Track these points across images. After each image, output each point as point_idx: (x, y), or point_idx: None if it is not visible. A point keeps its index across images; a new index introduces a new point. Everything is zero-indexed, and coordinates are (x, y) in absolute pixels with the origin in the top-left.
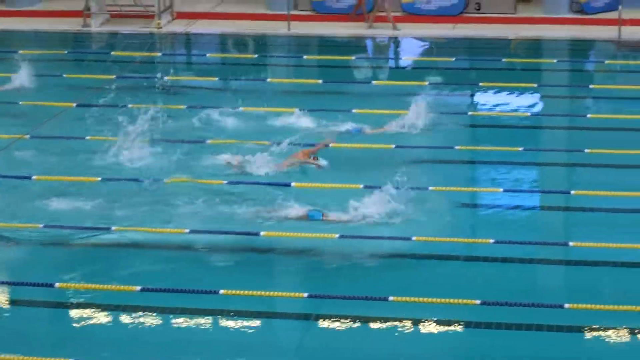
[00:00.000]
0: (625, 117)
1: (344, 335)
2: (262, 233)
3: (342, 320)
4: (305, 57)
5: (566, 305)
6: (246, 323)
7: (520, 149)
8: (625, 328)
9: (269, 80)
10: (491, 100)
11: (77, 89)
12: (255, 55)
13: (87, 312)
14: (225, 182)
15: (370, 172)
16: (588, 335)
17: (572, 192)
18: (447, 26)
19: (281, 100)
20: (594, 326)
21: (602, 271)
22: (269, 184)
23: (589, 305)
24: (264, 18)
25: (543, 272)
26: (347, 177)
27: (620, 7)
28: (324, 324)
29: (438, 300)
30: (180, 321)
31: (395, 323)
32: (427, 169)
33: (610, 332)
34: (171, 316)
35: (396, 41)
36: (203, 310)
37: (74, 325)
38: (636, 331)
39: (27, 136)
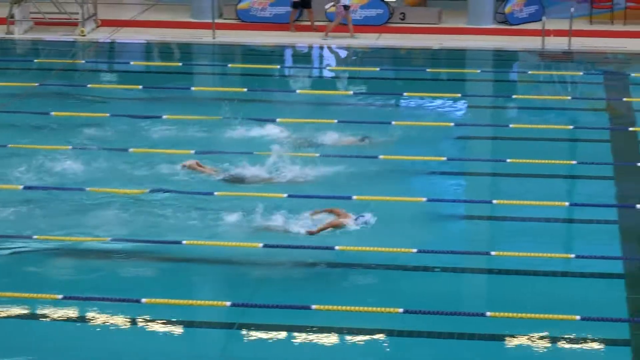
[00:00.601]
0: (547, 127)
1: (267, 344)
2: (184, 242)
3: (265, 329)
4: (230, 65)
5: (488, 314)
6: (169, 331)
7: (444, 158)
8: (545, 336)
9: (193, 88)
10: (415, 110)
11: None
12: (180, 64)
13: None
14: (147, 190)
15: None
16: (509, 343)
17: (494, 201)
18: (372, 36)
19: (206, 109)
20: (514, 334)
21: (523, 280)
22: (193, 193)
23: (510, 314)
24: (189, 26)
25: (465, 281)
26: (271, 187)
27: (544, 18)
28: (247, 332)
29: (361, 308)
30: (101, 330)
31: (319, 332)
32: (349, 178)
33: (530, 340)
34: (93, 325)
35: (321, 50)
36: (125, 319)
37: None
38: (556, 339)
39: None
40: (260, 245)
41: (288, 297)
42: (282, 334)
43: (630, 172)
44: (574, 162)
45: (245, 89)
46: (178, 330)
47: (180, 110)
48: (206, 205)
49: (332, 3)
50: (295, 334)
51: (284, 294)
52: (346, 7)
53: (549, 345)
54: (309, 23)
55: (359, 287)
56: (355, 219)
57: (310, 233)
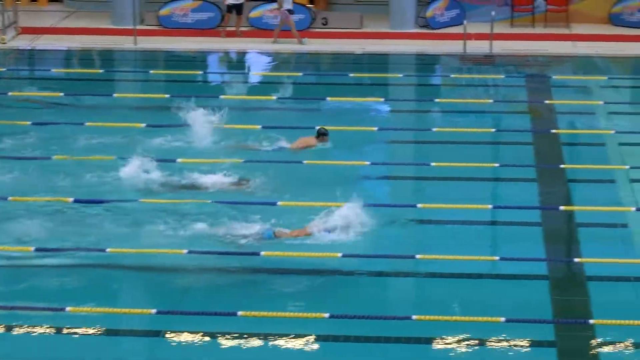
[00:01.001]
0: (470, 130)
1: (193, 350)
2: (108, 249)
3: (190, 336)
4: (152, 71)
5: (413, 317)
6: (94, 340)
7: (367, 162)
8: (471, 338)
9: (115, 95)
10: (338, 115)
11: None
12: (101, 70)
13: None
14: (71, 199)
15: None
16: (435, 346)
17: (419, 205)
18: (295, 40)
19: (128, 116)
20: (440, 337)
21: (448, 282)
22: (115, 201)
23: (435, 317)
24: (110, 33)
25: (391, 285)
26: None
27: (465, 21)
28: (172, 339)
29: (287, 314)
30: (25, 338)
31: (245, 338)
32: (274, 182)
33: (456, 343)
34: (16, 333)
35: (244, 56)
36: (49, 328)
37: None
38: (482, 341)
39: None
40: (185, 251)
41: (214, 304)
42: (207, 340)
43: (552, 174)
44: (497, 164)
45: (167, 95)
46: (103, 338)
47: (103, 118)
48: (133, 213)
49: (275, 6)
50: (221, 340)
51: (209, 300)
52: (290, 11)
53: (476, 347)
54: (233, 29)
55: (285, 293)
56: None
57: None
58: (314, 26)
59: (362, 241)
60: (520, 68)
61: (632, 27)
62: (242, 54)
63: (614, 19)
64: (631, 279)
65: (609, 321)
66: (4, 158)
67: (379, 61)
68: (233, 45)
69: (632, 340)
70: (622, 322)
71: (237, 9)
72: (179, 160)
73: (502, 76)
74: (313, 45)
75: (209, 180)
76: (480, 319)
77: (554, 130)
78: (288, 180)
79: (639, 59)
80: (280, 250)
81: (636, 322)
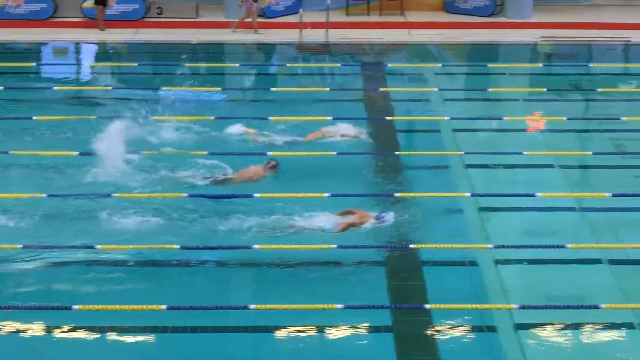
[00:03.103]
0: (307, 119)
1: (25, 343)
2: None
3: (23, 331)
4: None
5: (251, 306)
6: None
7: (205, 152)
8: (309, 325)
9: None
10: (175, 105)
11: None
12: None
13: None
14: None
15: None
16: (276, 335)
17: (256, 194)
18: (129, 31)
19: None
20: (279, 325)
21: (284, 271)
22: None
23: (275, 305)
24: None
25: (228, 275)
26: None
27: (300, 10)
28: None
29: (125, 307)
30: None
31: (81, 331)
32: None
33: (295, 331)
34: None
35: (78, 46)
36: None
37: None
38: (320, 328)
39: None
40: (20, 246)
41: (49, 297)
42: (44, 333)
43: (388, 160)
44: (334, 152)
45: (1, 87)
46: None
47: None
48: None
49: None
50: (54, 333)
51: (44, 293)
52: (255, 0)
53: (314, 334)
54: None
55: (121, 286)
56: (377, 218)
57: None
58: (149, 16)
59: (197, 231)
60: (356, 56)
61: (466, 15)
62: (75, 45)
63: (448, 7)
64: (466, 263)
65: (444, 305)
66: None
67: (215, 50)
68: (66, 36)
69: (467, 324)
70: (457, 306)
71: (103, 1)
72: None
73: (339, 65)
74: (148, 35)
75: None
76: (317, 306)
77: (389, 118)
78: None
79: (473, 46)
80: (114, 243)
81: (471, 305)
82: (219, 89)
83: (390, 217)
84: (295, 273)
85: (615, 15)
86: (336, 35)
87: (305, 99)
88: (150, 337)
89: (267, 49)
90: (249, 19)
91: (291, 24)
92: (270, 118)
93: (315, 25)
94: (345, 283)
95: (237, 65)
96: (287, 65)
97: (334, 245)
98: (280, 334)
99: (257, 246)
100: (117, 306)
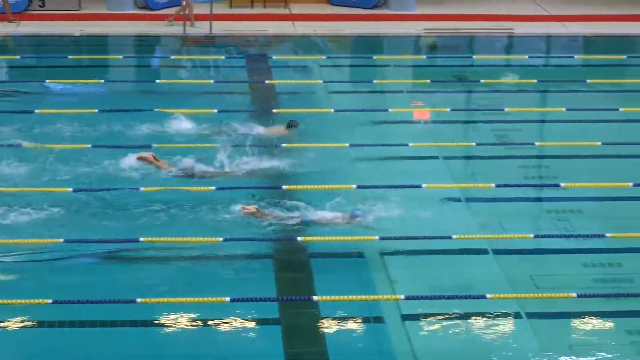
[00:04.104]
0: (194, 111)
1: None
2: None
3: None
4: None
5: (138, 300)
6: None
7: (89, 145)
8: (196, 319)
9: None
10: (58, 97)
11: None
12: None
13: None
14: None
15: None
16: (162, 329)
17: (141, 188)
18: (11, 25)
19: None
20: (165, 320)
21: (171, 264)
22: None
23: (160, 299)
24: None
25: (115, 270)
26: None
27: (183, 2)
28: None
29: (10, 301)
30: None
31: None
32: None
33: (183, 324)
34: None
35: None
36: None
37: None
38: (207, 321)
39: None
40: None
41: None
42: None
43: (274, 152)
44: (218, 145)
45: None
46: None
47: None
48: None
49: None
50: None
51: None
52: None
53: (202, 327)
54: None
55: (8, 280)
56: (350, 217)
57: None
58: (31, 8)
59: (84, 227)
60: (241, 48)
61: (350, 7)
62: None
63: None
64: (352, 255)
65: (331, 297)
66: None
67: (99, 42)
68: None
69: (355, 315)
70: (345, 297)
71: None
72: None
73: (223, 57)
74: (31, 27)
75: None
76: (205, 299)
77: (275, 110)
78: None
79: (357, 38)
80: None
81: (358, 297)
82: (102, 81)
83: (360, 214)
84: (183, 266)
85: (498, 7)
86: (220, 28)
87: (189, 91)
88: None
89: (151, 41)
90: (187, 12)
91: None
92: (155, 110)
93: (199, 17)
94: (233, 276)
95: (121, 57)
96: (171, 57)
97: (221, 239)
98: (168, 327)
99: (142, 239)
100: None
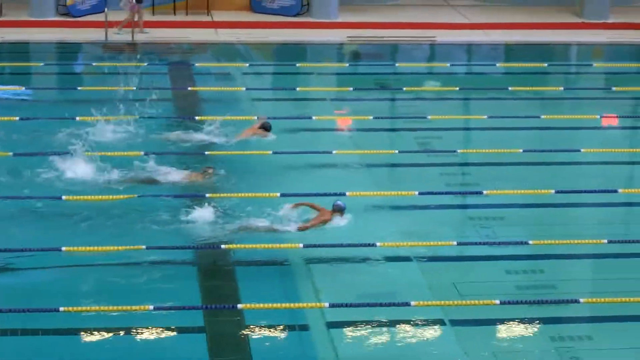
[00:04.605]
0: (113, 118)
1: None
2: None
3: None
4: None
5: (61, 309)
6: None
7: (10, 154)
8: (118, 328)
9: None
10: None
11: None
12: None
13: None
14: None
15: None
16: (88, 337)
17: (64, 197)
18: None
19: None
20: (89, 328)
21: (95, 271)
22: None
23: (82, 308)
24: None
25: (40, 277)
26: None
27: (106, 9)
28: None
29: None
30: None
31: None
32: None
33: (104, 332)
34: None
35: None
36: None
37: None
38: (129, 329)
39: None
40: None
41: None
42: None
43: (199, 159)
44: (141, 153)
45: None
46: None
47: None
48: None
49: None
50: None
51: None
52: (138, 1)
53: (126, 336)
54: None
55: None
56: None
57: (302, 229)
58: None
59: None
60: (163, 56)
61: (273, 14)
62: None
63: (255, 6)
64: (277, 262)
65: (256, 305)
66: None
67: (19, 50)
68: None
69: (280, 323)
70: (269, 305)
71: None
72: None
73: (145, 64)
74: None
75: None
76: (128, 308)
77: (198, 117)
78: None
79: (280, 45)
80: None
81: (282, 305)
82: (22, 88)
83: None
84: (106, 274)
85: (421, 15)
86: (143, 35)
87: (111, 99)
88: None
89: (72, 48)
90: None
91: (97, 23)
92: (77, 118)
93: (117, 24)
94: (156, 284)
95: (42, 64)
96: (93, 64)
97: (144, 247)
98: (91, 336)
99: (64, 248)
100: None
